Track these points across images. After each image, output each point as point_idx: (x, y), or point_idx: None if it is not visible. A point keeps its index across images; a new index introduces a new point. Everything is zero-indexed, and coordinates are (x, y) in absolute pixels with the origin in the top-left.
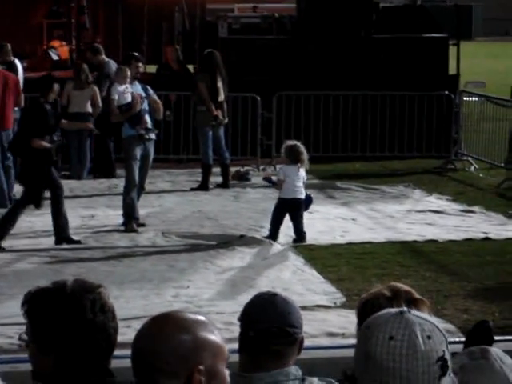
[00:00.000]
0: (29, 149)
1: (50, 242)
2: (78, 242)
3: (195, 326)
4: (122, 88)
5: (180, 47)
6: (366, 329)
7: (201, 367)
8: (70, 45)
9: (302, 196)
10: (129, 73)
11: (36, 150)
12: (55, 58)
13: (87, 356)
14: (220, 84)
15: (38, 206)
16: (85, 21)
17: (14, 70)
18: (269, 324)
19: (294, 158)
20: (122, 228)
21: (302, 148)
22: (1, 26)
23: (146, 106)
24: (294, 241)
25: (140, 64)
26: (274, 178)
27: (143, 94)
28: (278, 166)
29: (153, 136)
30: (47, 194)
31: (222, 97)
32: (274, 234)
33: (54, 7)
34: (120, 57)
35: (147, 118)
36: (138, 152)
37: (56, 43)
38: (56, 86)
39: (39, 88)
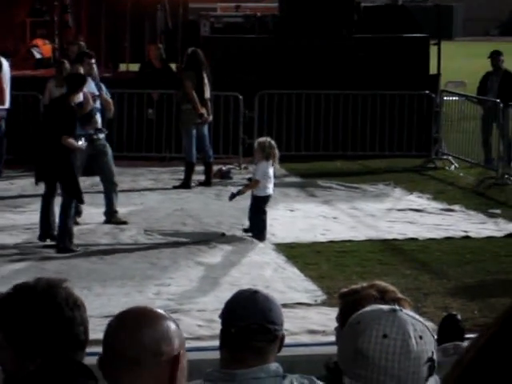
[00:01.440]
0: (57, 147)
1: (32, 238)
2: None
3: (163, 319)
4: None
5: (163, 46)
6: (356, 324)
7: (182, 351)
8: (52, 43)
9: (272, 192)
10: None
11: (64, 148)
12: (38, 56)
13: (71, 352)
14: (206, 81)
15: (81, 200)
16: (68, 19)
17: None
18: (249, 321)
19: (267, 154)
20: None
21: (274, 144)
22: None
23: (98, 104)
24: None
25: (92, 61)
26: (234, 190)
27: (96, 93)
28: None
29: (101, 136)
30: (41, 190)
31: (207, 94)
32: (263, 234)
33: (36, 5)
34: (102, 56)
35: (98, 117)
36: (86, 151)
37: (39, 42)
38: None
39: (69, 86)
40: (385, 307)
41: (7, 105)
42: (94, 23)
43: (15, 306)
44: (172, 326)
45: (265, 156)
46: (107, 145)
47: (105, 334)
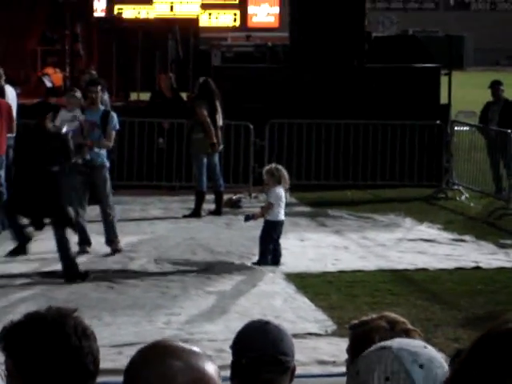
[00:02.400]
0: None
1: (43, 266)
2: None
3: (187, 354)
4: (67, 115)
5: (173, 75)
6: (356, 375)
7: None
8: (63, 72)
9: (284, 218)
10: (77, 100)
11: (50, 177)
12: (49, 84)
13: (80, 382)
14: (219, 110)
15: (73, 228)
16: (79, 48)
17: (2, 95)
18: (261, 352)
19: (278, 179)
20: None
21: (281, 167)
22: None
23: (96, 134)
24: (273, 263)
25: (95, 88)
26: (250, 214)
27: (97, 122)
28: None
29: (88, 170)
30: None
31: (220, 122)
32: (265, 259)
33: (47, 34)
34: (113, 85)
35: (90, 148)
36: (79, 181)
37: (50, 70)
38: (51, 114)
39: (35, 114)
40: (379, 348)
41: (12, 133)
42: (105, 52)
43: (25, 334)
44: (210, 366)
45: (276, 180)
46: (101, 173)
47: (130, 369)
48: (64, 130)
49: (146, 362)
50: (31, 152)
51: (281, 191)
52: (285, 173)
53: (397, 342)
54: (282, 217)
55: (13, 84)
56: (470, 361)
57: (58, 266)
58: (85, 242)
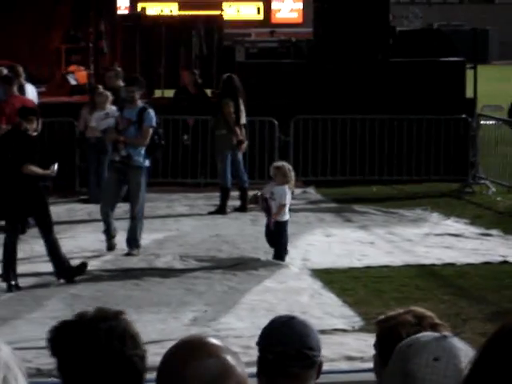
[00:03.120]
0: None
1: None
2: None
3: (225, 353)
4: (100, 114)
5: (198, 71)
6: (407, 347)
7: None
8: (87, 70)
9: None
10: (108, 98)
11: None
12: (73, 82)
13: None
14: (242, 107)
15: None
16: (103, 46)
17: (22, 93)
18: (287, 347)
19: (289, 179)
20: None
21: (292, 168)
22: (19, 50)
23: (131, 131)
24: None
25: (131, 88)
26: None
27: (133, 119)
28: (295, 190)
29: (124, 166)
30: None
31: (243, 120)
32: (284, 256)
33: (71, 32)
34: None
35: (126, 145)
36: (112, 178)
37: (74, 68)
38: (34, 120)
39: (20, 116)
40: (435, 333)
41: None
42: (129, 49)
43: (66, 334)
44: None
45: (286, 181)
46: (135, 176)
47: (164, 364)
48: (101, 128)
49: (185, 361)
50: (5, 154)
51: (289, 192)
52: (294, 175)
53: (451, 335)
54: (288, 216)
55: (37, 82)
56: (484, 358)
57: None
58: (111, 238)
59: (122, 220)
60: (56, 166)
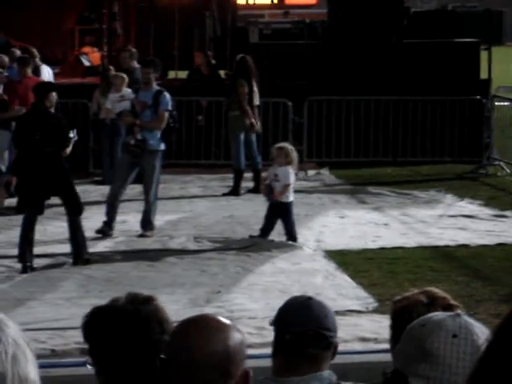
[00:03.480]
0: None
1: None
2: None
3: (234, 330)
4: (115, 96)
5: (211, 53)
6: (420, 326)
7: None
8: (101, 51)
9: None
10: (124, 80)
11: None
12: (87, 64)
13: (144, 377)
14: (255, 88)
15: (80, 211)
16: (116, 27)
17: (37, 74)
18: (305, 327)
19: (291, 159)
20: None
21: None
22: (33, 31)
23: (147, 115)
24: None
25: (148, 69)
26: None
27: (149, 103)
28: (309, 172)
29: (139, 150)
30: (94, 196)
31: (256, 101)
32: (296, 236)
33: (85, 13)
34: None
35: (141, 128)
36: (126, 160)
37: (87, 49)
38: (53, 94)
39: (38, 94)
40: (448, 313)
41: None
42: (143, 31)
43: (101, 319)
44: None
45: (288, 161)
46: (150, 159)
47: (175, 338)
48: (116, 110)
49: (183, 335)
50: (30, 134)
51: (292, 172)
52: (296, 155)
53: (464, 313)
54: (292, 197)
55: (50, 64)
56: (498, 340)
57: (97, 247)
58: (109, 224)
59: (135, 201)
60: (75, 131)
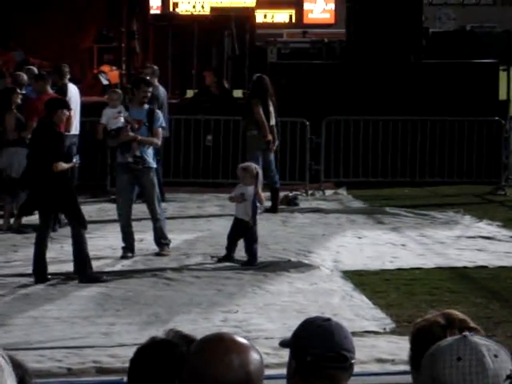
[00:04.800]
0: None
1: (98, 264)
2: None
3: (249, 349)
4: (112, 112)
5: (229, 71)
6: (430, 356)
7: None
8: (119, 69)
9: None
10: (119, 96)
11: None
12: (105, 82)
13: None
14: (271, 108)
15: (84, 226)
16: (135, 45)
17: (64, 94)
18: (327, 349)
19: (257, 181)
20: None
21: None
22: (51, 49)
23: (143, 132)
24: (247, 263)
25: (149, 89)
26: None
27: (143, 120)
28: (326, 191)
29: (140, 166)
30: (108, 216)
31: (273, 121)
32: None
33: (103, 31)
34: (169, 81)
35: (140, 145)
36: (126, 180)
37: (106, 68)
38: (63, 112)
39: (47, 110)
40: (456, 336)
41: (76, 131)
42: (161, 49)
43: (150, 360)
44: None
45: (253, 182)
46: (149, 177)
47: (194, 365)
48: (111, 127)
49: (209, 358)
50: (38, 149)
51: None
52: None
53: (472, 334)
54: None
55: (74, 82)
56: None
57: (115, 266)
58: (129, 249)
59: (144, 220)
60: (77, 158)
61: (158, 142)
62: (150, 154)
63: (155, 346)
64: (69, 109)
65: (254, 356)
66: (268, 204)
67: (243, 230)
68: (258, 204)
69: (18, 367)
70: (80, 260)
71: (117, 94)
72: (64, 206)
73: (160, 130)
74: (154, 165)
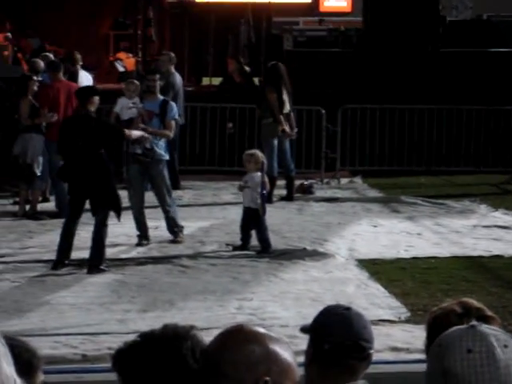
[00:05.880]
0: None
1: (114, 251)
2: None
3: (268, 340)
4: (127, 102)
5: (245, 59)
6: (437, 347)
7: (267, 378)
8: (136, 56)
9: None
10: (136, 86)
11: (102, 161)
12: (121, 69)
13: None
14: (285, 96)
15: (119, 215)
16: (151, 33)
17: (75, 79)
18: (344, 338)
19: (261, 165)
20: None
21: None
22: (67, 36)
23: (155, 124)
24: (262, 251)
25: (153, 77)
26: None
27: (156, 111)
28: (342, 180)
29: (148, 158)
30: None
31: (287, 109)
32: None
33: (120, 19)
34: (185, 69)
35: (150, 137)
36: (136, 171)
37: (122, 55)
38: (96, 98)
39: (80, 98)
40: (463, 326)
41: None
42: (177, 37)
43: (139, 356)
44: (289, 352)
45: (258, 168)
46: (159, 169)
47: (210, 352)
48: (124, 117)
49: (228, 346)
50: (73, 140)
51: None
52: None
53: (480, 323)
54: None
55: (85, 69)
56: None
57: (130, 253)
58: (143, 236)
59: (158, 207)
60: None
61: (170, 134)
62: (161, 146)
63: (152, 344)
64: (99, 94)
65: (278, 349)
66: (283, 192)
67: (254, 218)
68: (264, 192)
69: (27, 351)
70: (97, 250)
71: (134, 84)
72: (102, 194)
73: (173, 122)
74: (165, 157)
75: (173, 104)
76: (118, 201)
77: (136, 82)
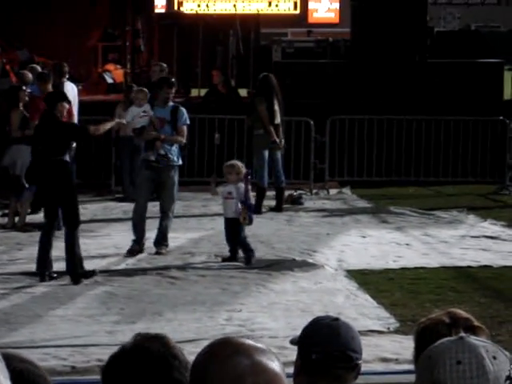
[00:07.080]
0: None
1: (103, 263)
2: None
3: (255, 352)
4: (137, 110)
5: (234, 71)
6: (427, 358)
7: None
8: (124, 68)
9: None
10: (145, 94)
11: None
12: (110, 81)
13: None
14: (276, 107)
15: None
16: (140, 44)
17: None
18: (332, 348)
19: (241, 177)
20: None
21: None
22: (56, 48)
23: (167, 130)
24: (247, 260)
25: (171, 90)
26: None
27: (167, 118)
28: (330, 191)
29: (161, 165)
30: (113, 214)
31: (278, 120)
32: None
33: (109, 30)
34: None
35: (163, 144)
36: (146, 177)
37: (111, 66)
38: (64, 104)
39: (48, 103)
40: (452, 337)
41: None
42: (166, 48)
43: (126, 367)
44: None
45: (240, 178)
46: (171, 174)
47: (197, 364)
48: (136, 125)
49: (214, 359)
50: (42, 142)
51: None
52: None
53: (468, 335)
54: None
55: (73, 81)
56: None
57: (119, 264)
58: (138, 242)
59: (157, 218)
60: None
61: (183, 139)
62: (174, 152)
63: (128, 355)
64: (68, 101)
65: (265, 360)
66: (273, 203)
67: (236, 228)
68: (249, 202)
69: (21, 362)
70: (70, 260)
71: (143, 92)
72: (63, 201)
73: (184, 127)
74: (178, 162)
75: (183, 109)
76: (75, 210)
77: (145, 89)
